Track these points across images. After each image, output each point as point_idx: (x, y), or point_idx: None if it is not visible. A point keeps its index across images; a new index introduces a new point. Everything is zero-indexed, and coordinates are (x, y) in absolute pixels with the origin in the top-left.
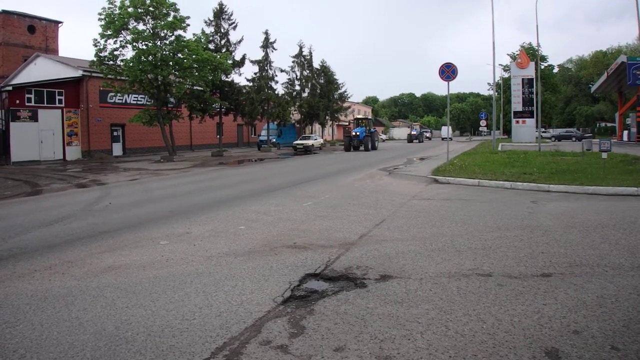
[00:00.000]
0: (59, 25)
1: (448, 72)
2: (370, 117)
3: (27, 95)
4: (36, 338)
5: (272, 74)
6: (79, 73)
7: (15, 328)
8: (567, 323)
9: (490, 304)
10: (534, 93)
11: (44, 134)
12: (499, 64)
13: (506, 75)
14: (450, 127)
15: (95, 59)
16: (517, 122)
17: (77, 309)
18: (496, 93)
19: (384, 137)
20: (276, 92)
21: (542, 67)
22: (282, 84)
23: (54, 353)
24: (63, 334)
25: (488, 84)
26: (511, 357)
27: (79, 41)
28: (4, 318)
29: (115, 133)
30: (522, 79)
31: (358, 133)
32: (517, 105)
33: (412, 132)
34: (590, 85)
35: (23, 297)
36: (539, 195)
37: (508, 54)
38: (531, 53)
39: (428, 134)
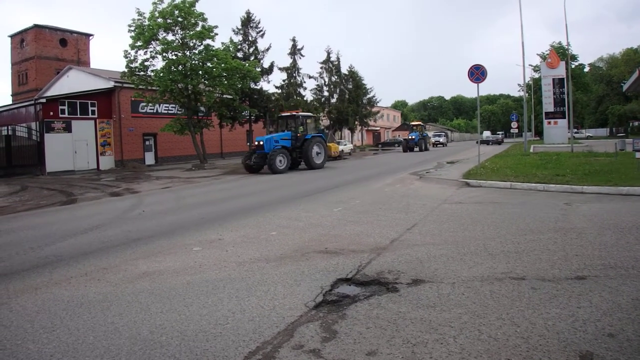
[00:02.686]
0: (90, 38)
1: (477, 73)
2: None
3: (60, 107)
4: (72, 343)
5: (301, 81)
6: (110, 84)
7: (52, 333)
8: (602, 326)
9: (523, 307)
10: (565, 93)
11: (77, 144)
12: (529, 64)
13: (536, 75)
14: (489, 132)
15: (126, 70)
16: (549, 123)
17: (112, 314)
18: (527, 94)
19: (433, 140)
20: (305, 98)
21: (573, 66)
22: (311, 90)
23: (90, 357)
24: (99, 338)
25: (518, 84)
26: None
27: (110, 53)
28: (42, 323)
29: (147, 142)
30: (553, 79)
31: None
32: (548, 105)
33: (409, 137)
34: (622, 84)
35: (60, 303)
36: (572, 197)
37: (538, 54)
38: (561, 52)
39: (441, 139)
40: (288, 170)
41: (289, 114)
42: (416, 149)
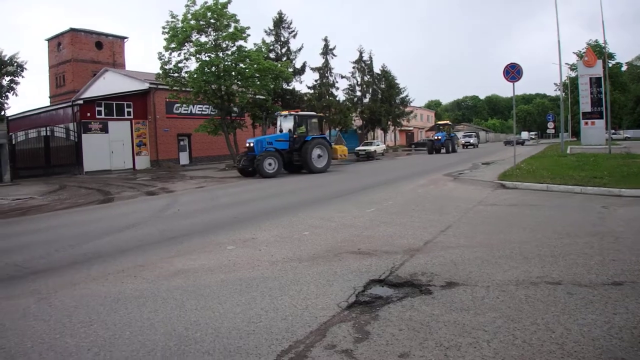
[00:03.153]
0: (125, 40)
1: (513, 72)
2: (451, 123)
3: (97, 108)
4: (109, 337)
5: (333, 81)
6: (145, 86)
7: (89, 327)
8: (639, 333)
9: (559, 312)
10: (603, 93)
11: (114, 144)
12: (565, 63)
13: (573, 74)
14: (528, 132)
15: (160, 71)
16: (586, 123)
17: (148, 310)
18: (563, 93)
19: (463, 140)
20: (337, 98)
21: (610, 65)
22: (343, 90)
23: (126, 352)
24: (135, 333)
25: (555, 84)
26: None
27: (144, 55)
28: (79, 318)
29: (181, 142)
30: (590, 78)
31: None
32: (585, 105)
33: (435, 137)
34: None
35: (97, 299)
36: (610, 199)
37: (574, 52)
38: (598, 51)
39: (472, 140)
40: (286, 173)
41: (287, 113)
42: (443, 150)
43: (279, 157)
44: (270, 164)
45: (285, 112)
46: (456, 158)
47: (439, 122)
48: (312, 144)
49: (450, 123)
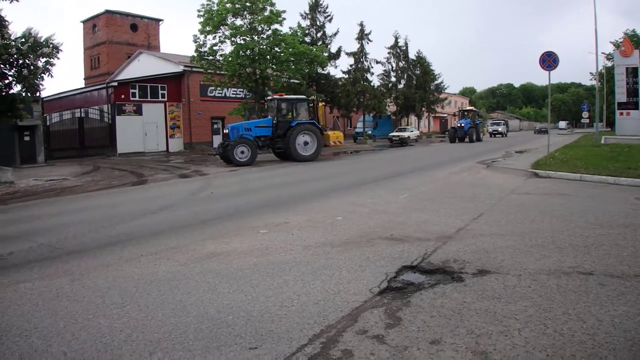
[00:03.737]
0: (160, 23)
1: (549, 61)
2: (476, 109)
3: (131, 91)
4: (142, 319)
5: (368, 66)
6: (180, 68)
7: (122, 309)
8: None
9: (590, 303)
10: (639, 83)
11: (147, 126)
12: (602, 52)
13: (609, 64)
14: (567, 122)
15: (195, 54)
16: (621, 114)
17: (181, 293)
18: (599, 83)
19: (490, 129)
20: (372, 83)
21: None
22: (378, 75)
23: (158, 333)
24: (167, 315)
25: (590, 73)
26: (611, 359)
27: (179, 38)
28: (113, 299)
29: (215, 126)
30: (627, 68)
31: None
32: (621, 96)
33: (458, 124)
34: None
35: (130, 280)
36: None
37: (611, 42)
38: (635, 40)
39: (500, 128)
40: (278, 161)
41: (468, 108)
42: (466, 139)
43: (253, 145)
44: (242, 152)
45: (468, 108)
46: (485, 147)
47: (463, 109)
48: (296, 130)
49: (475, 109)
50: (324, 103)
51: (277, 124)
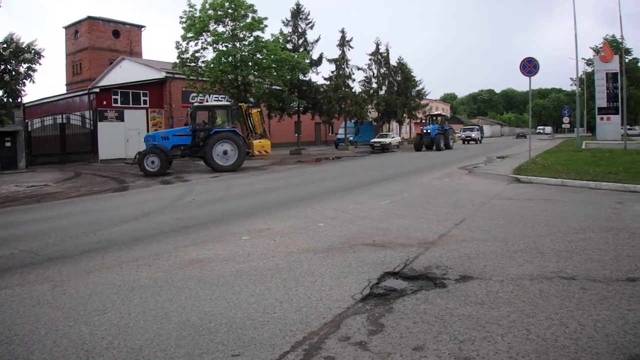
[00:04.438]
0: (142, 29)
1: (529, 67)
2: (444, 113)
3: (113, 97)
4: (124, 326)
5: (349, 72)
6: (162, 75)
7: (104, 316)
8: None
9: (573, 308)
10: (619, 88)
11: (129, 133)
12: (582, 58)
13: (589, 69)
14: (551, 127)
15: (177, 60)
16: (602, 118)
17: (162, 300)
18: (579, 88)
19: (463, 135)
20: (353, 90)
21: (627, 60)
22: (359, 81)
23: (140, 340)
24: (149, 322)
25: (571, 79)
26: None
27: (161, 44)
28: (94, 306)
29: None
30: (606, 74)
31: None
32: (601, 101)
33: (424, 131)
34: None
35: (112, 287)
36: (625, 195)
37: (591, 47)
38: (615, 46)
39: (473, 134)
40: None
41: (437, 113)
42: (442, 145)
43: (162, 155)
44: (153, 162)
45: (436, 112)
46: (467, 152)
47: (432, 113)
48: (214, 139)
49: (444, 114)
50: (259, 109)
51: (195, 132)
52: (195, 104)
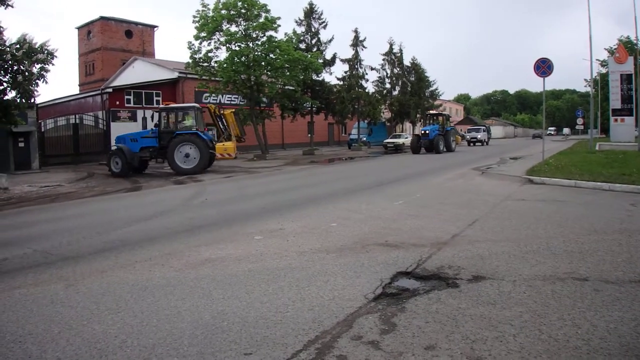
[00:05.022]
0: (155, 29)
1: (544, 67)
2: (447, 113)
3: (126, 97)
4: (137, 325)
5: (362, 72)
6: (175, 75)
7: (117, 315)
8: None
9: (585, 309)
10: (633, 90)
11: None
12: (596, 59)
13: (604, 70)
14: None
15: (190, 60)
16: (615, 120)
17: (175, 299)
18: (593, 90)
19: (468, 136)
20: (366, 90)
21: None
22: (372, 82)
23: (153, 339)
24: (162, 321)
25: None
26: None
27: (174, 44)
28: (107, 305)
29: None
30: (621, 75)
31: (427, 131)
32: (615, 102)
33: (422, 132)
34: None
35: (125, 286)
36: (639, 197)
37: (605, 49)
38: (629, 47)
39: (479, 135)
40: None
41: (437, 112)
42: (441, 148)
43: (123, 156)
44: (117, 163)
45: (435, 111)
46: (476, 155)
47: (431, 112)
48: (176, 141)
49: (446, 114)
50: (232, 110)
51: (161, 134)
52: (162, 105)
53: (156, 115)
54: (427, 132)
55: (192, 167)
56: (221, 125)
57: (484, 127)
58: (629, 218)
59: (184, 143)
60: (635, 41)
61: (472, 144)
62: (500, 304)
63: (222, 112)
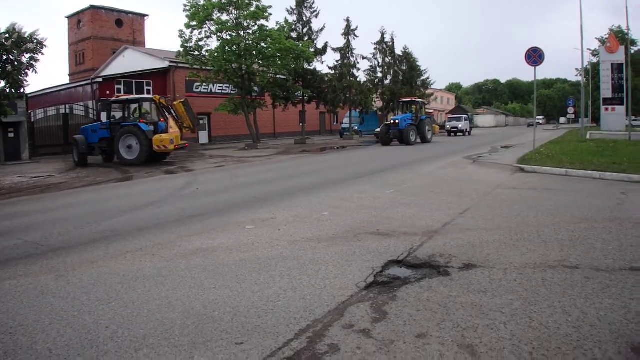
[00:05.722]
0: (145, 18)
1: (535, 56)
2: (422, 100)
3: (116, 86)
4: (128, 315)
5: (354, 62)
6: (165, 64)
7: (108, 305)
8: None
9: (576, 296)
10: (624, 79)
11: None
12: (588, 49)
13: (595, 60)
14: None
15: (181, 49)
16: (606, 109)
17: (166, 289)
18: (584, 79)
19: (447, 125)
20: (358, 79)
21: (632, 51)
22: (364, 71)
23: (144, 330)
24: (153, 311)
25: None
26: (596, 352)
27: (165, 33)
28: (98, 296)
29: (201, 121)
30: (612, 64)
31: (397, 121)
32: (606, 91)
33: (391, 121)
34: None
35: (115, 277)
36: (629, 186)
37: (597, 38)
38: (620, 37)
39: (460, 124)
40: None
41: (410, 99)
42: (412, 138)
43: (76, 146)
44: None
45: (408, 99)
46: (447, 148)
47: (403, 99)
48: (119, 133)
49: (421, 100)
50: (181, 100)
51: (111, 125)
52: (113, 98)
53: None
54: (397, 121)
55: (134, 158)
56: (169, 116)
57: (465, 116)
58: (619, 206)
59: (127, 135)
60: (626, 31)
61: (452, 134)
62: (491, 292)
63: (170, 103)
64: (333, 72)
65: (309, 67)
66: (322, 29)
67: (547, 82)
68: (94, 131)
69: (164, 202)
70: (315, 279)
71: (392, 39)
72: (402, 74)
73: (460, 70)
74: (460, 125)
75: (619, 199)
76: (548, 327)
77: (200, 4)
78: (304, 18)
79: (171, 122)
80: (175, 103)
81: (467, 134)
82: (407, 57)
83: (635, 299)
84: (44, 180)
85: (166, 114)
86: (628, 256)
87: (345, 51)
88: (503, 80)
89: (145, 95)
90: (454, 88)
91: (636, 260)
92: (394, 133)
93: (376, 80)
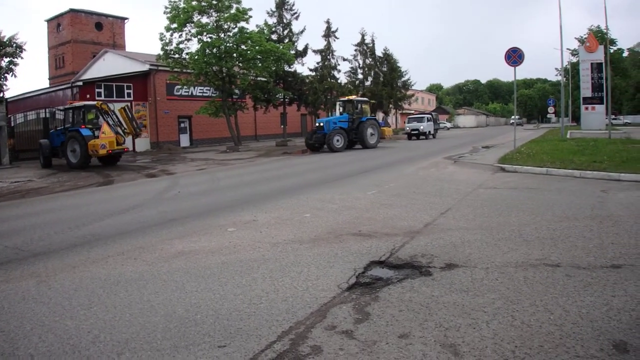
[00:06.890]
0: (125, 21)
1: (514, 57)
2: (362, 98)
3: (97, 90)
4: (109, 319)
5: (335, 63)
6: (146, 67)
7: (89, 310)
8: (637, 316)
9: (557, 294)
10: (604, 78)
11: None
12: (567, 49)
13: (575, 59)
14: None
15: (161, 52)
16: (586, 108)
17: (148, 293)
18: (564, 79)
19: (448, 125)
20: (339, 81)
21: (612, 51)
22: (345, 72)
23: (126, 334)
24: (135, 315)
25: (556, 69)
26: (578, 349)
27: (145, 37)
28: (79, 301)
29: (182, 125)
30: (591, 64)
31: (322, 124)
32: (586, 91)
33: (317, 124)
34: None
35: (97, 281)
36: (609, 184)
37: (576, 38)
38: (600, 36)
39: (422, 126)
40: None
41: (347, 98)
42: (338, 144)
43: (40, 150)
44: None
45: (345, 98)
46: (417, 152)
47: (341, 98)
48: (67, 137)
49: (362, 99)
50: (122, 107)
51: (65, 131)
52: (66, 106)
53: (59, 113)
54: (321, 124)
55: (75, 161)
56: (111, 122)
57: (428, 116)
58: (600, 204)
59: (71, 139)
60: (605, 31)
61: (414, 137)
62: (473, 291)
63: (111, 109)
64: (314, 73)
65: (290, 69)
66: (302, 31)
67: (528, 82)
68: (58, 135)
69: (145, 205)
70: (298, 280)
71: (373, 40)
72: (383, 75)
73: (440, 71)
74: (421, 127)
75: (600, 197)
76: (530, 326)
77: (180, 6)
78: (284, 20)
79: (105, 128)
80: (117, 110)
81: (431, 136)
82: (388, 58)
83: (617, 296)
84: (24, 185)
85: (107, 119)
86: (609, 254)
87: (326, 53)
88: (483, 81)
89: (88, 102)
90: (434, 89)
91: (617, 258)
92: (317, 138)
93: (357, 82)
